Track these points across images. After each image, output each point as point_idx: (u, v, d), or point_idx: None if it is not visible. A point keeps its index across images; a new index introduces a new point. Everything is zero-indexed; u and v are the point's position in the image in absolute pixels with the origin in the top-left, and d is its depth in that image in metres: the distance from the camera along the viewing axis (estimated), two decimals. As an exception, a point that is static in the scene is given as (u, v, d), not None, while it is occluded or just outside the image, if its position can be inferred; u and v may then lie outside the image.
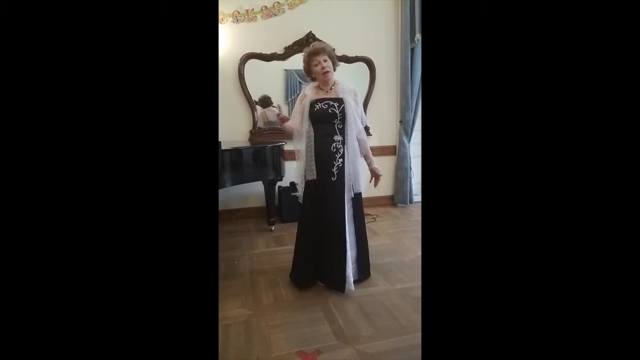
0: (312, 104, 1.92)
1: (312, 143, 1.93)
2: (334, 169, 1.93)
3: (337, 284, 1.96)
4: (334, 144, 1.93)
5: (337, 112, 1.90)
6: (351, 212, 2.00)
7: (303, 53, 1.98)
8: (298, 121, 1.96)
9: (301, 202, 2.00)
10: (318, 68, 1.90)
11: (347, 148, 1.94)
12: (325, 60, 1.90)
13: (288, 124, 1.97)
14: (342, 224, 1.93)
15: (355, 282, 2.02)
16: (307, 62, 1.94)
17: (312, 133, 1.94)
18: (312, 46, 1.94)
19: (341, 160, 1.94)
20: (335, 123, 1.92)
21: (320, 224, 1.98)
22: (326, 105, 1.91)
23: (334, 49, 2.02)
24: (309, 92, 1.96)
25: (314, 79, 2.00)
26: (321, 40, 3.28)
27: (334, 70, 1.97)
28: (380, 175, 2.07)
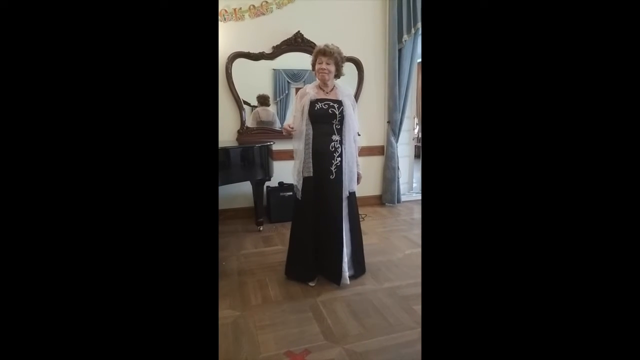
0: (313, 103, 1.96)
1: (310, 141, 1.97)
2: (333, 168, 1.99)
3: (334, 276, 2.03)
4: (332, 143, 1.99)
5: (337, 112, 1.96)
6: (346, 210, 2.05)
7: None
8: (299, 120, 1.97)
9: (299, 199, 2.03)
10: (318, 67, 1.97)
11: (344, 148, 2.00)
12: (328, 64, 1.95)
13: (296, 130, 1.95)
14: (340, 220, 2.01)
15: (350, 277, 2.08)
16: (314, 58, 2.01)
17: (310, 131, 1.97)
18: (325, 46, 1.98)
19: (339, 159, 2.00)
20: (334, 123, 1.98)
21: (318, 220, 2.02)
22: (326, 106, 1.96)
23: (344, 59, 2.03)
24: (310, 89, 2.00)
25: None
26: (310, 40, 3.31)
27: (335, 78, 2.03)
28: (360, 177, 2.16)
